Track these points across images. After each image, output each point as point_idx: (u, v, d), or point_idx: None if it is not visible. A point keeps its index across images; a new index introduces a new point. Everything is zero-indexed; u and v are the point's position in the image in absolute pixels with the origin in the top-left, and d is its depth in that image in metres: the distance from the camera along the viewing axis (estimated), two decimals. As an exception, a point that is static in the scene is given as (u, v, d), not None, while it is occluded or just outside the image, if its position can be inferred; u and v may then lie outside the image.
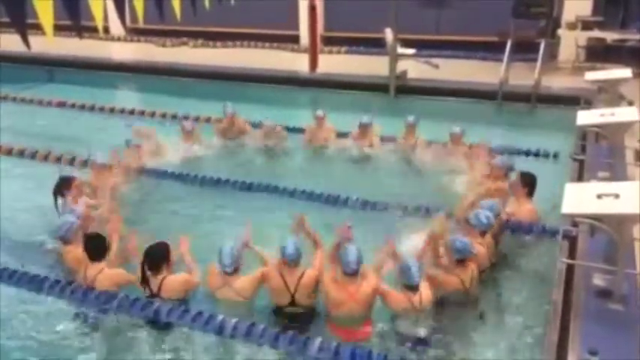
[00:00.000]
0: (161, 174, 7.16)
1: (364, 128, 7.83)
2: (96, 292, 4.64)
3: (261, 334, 4.17)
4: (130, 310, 4.50)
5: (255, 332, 4.19)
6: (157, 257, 4.53)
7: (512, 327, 4.51)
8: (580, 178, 6.08)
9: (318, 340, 4.06)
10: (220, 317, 4.31)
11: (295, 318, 4.47)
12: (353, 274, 4.32)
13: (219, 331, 4.25)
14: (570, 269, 4.41)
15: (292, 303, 4.46)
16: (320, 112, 8.16)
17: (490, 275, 5.04)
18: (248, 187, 6.77)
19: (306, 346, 4.06)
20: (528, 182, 5.70)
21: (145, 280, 4.51)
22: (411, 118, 7.71)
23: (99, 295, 4.62)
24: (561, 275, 4.40)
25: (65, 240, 5.04)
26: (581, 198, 3.96)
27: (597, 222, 3.90)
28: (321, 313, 4.55)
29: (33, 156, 7.83)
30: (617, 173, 5.87)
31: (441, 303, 4.57)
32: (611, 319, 3.81)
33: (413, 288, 4.30)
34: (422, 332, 4.32)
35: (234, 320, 4.27)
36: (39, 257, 5.40)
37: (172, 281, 4.52)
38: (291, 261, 4.45)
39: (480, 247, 4.85)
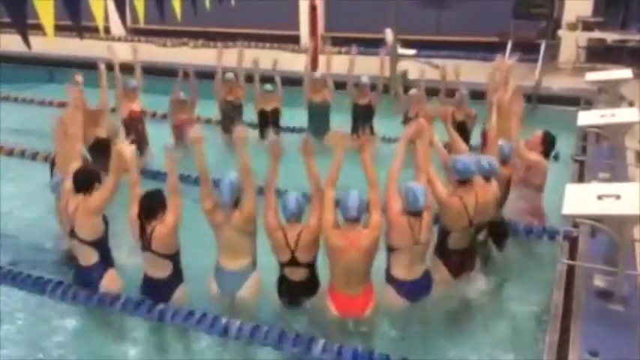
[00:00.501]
0: (158, 174, 7.15)
1: (363, 88, 7.90)
2: (99, 295, 4.63)
3: (265, 336, 4.21)
4: (134, 313, 4.50)
5: (259, 334, 4.23)
6: (154, 203, 4.45)
7: (512, 328, 4.51)
8: (581, 178, 6.08)
9: (321, 342, 4.07)
10: (224, 319, 4.33)
11: (297, 287, 4.51)
12: (353, 220, 4.29)
13: (224, 333, 4.28)
14: (571, 270, 4.41)
15: (293, 259, 4.44)
16: (317, 75, 8.28)
17: (490, 275, 5.04)
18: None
19: (309, 347, 4.09)
20: (547, 141, 5.73)
21: (142, 229, 4.44)
22: (413, 91, 7.74)
23: (103, 297, 4.62)
24: (562, 276, 4.40)
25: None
26: (582, 199, 3.96)
27: (598, 223, 3.91)
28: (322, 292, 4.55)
29: (34, 157, 7.83)
30: (618, 174, 5.87)
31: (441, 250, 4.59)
32: (612, 320, 3.81)
33: (417, 214, 4.27)
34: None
35: (238, 322, 4.30)
36: (39, 258, 5.41)
37: (161, 230, 4.41)
38: (291, 215, 4.42)
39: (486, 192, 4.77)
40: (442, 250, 4.72)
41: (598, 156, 6.29)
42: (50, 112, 9.99)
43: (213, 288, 4.66)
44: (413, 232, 4.30)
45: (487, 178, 4.83)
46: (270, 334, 4.22)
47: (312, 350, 4.07)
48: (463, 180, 4.58)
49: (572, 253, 4.72)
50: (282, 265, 4.56)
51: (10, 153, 7.97)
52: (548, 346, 3.73)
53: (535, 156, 5.66)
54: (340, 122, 8.15)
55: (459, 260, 4.71)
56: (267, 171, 4.56)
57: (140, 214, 4.44)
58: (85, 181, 4.65)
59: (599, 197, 3.87)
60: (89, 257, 4.67)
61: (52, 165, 5.89)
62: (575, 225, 4.85)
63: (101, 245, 4.69)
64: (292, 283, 4.55)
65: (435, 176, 4.59)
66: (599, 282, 4.13)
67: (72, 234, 4.66)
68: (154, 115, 9.39)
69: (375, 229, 4.30)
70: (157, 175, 7.11)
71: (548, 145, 5.76)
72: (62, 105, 10.24)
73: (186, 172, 7.11)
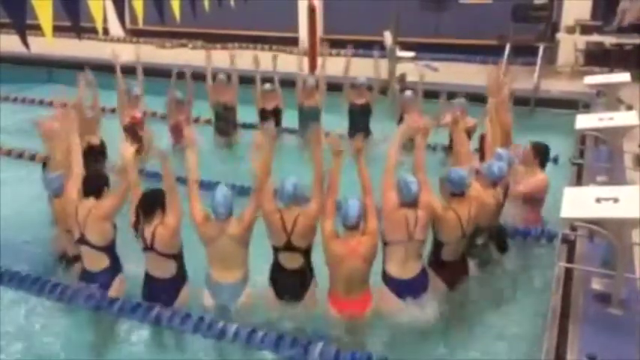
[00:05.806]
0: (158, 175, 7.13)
1: (360, 88, 7.92)
2: (97, 297, 4.59)
3: (262, 339, 4.19)
4: (132, 315, 4.48)
5: (256, 337, 4.21)
6: (152, 200, 4.43)
7: (511, 331, 4.51)
8: (579, 182, 6.08)
9: (319, 345, 4.05)
10: (221, 323, 4.31)
11: (294, 275, 4.48)
12: (353, 227, 4.29)
13: (221, 336, 4.26)
14: (569, 273, 4.41)
15: (288, 243, 4.40)
16: (310, 79, 8.30)
17: (489, 278, 5.04)
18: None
19: (307, 350, 4.07)
20: (540, 152, 5.62)
21: (137, 225, 4.41)
22: (408, 93, 7.73)
23: (101, 299, 4.59)
24: (560, 279, 4.40)
25: (57, 193, 5.00)
26: (580, 202, 3.96)
27: (596, 226, 3.90)
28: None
29: (32, 158, 7.81)
30: (616, 177, 5.87)
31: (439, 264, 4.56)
32: (610, 324, 3.81)
33: (411, 204, 4.31)
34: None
35: (234, 326, 4.28)
36: (38, 259, 5.39)
37: (162, 232, 4.37)
38: (289, 199, 4.39)
39: (490, 199, 4.76)
40: (436, 262, 4.71)
41: (596, 159, 6.30)
42: (49, 113, 10.04)
43: (209, 301, 4.60)
44: (408, 225, 4.31)
45: (495, 183, 4.83)
46: (267, 337, 4.20)
47: (309, 354, 4.05)
48: (457, 192, 4.57)
49: (571, 257, 4.72)
50: (277, 251, 4.51)
51: (9, 153, 7.95)
52: (546, 350, 3.72)
53: (536, 178, 5.54)
54: (338, 123, 8.16)
55: (453, 271, 4.72)
56: (265, 154, 4.49)
57: (139, 212, 4.41)
58: (93, 185, 4.68)
59: (598, 200, 3.87)
60: (99, 262, 4.65)
61: (45, 165, 5.84)
62: (574, 228, 4.84)
63: (111, 250, 4.69)
64: (286, 272, 4.50)
65: (429, 188, 4.54)
66: (597, 285, 4.13)
67: (81, 240, 4.64)
68: (153, 114, 9.38)
69: (372, 235, 4.32)
70: (158, 176, 7.12)
71: (542, 155, 5.63)
72: (62, 106, 10.26)
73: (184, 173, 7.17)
